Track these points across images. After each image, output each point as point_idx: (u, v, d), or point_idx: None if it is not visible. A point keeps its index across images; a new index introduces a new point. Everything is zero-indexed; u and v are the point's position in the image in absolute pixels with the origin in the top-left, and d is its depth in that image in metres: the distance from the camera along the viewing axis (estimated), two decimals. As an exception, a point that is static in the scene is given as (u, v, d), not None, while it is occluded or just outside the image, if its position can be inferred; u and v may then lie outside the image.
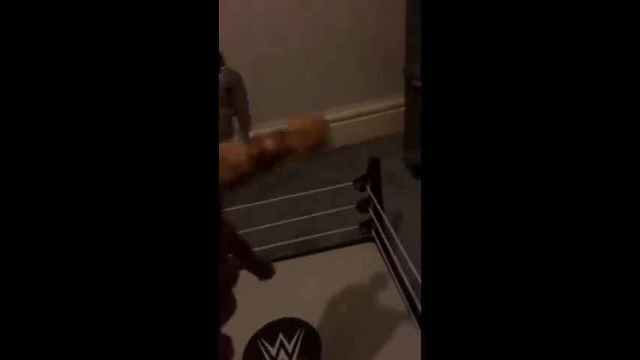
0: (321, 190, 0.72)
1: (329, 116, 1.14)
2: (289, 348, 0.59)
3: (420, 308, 0.57)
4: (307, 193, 0.74)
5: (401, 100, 1.00)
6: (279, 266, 0.75)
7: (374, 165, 0.69)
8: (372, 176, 0.69)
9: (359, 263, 0.73)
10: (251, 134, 0.48)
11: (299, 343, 0.59)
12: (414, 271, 0.55)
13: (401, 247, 0.59)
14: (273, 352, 0.59)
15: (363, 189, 0.69)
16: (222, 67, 1.12)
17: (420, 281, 0.53)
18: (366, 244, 0.76)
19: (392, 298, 0.65)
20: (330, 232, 0.77)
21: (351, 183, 0.70)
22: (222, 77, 1.14)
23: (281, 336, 0.61)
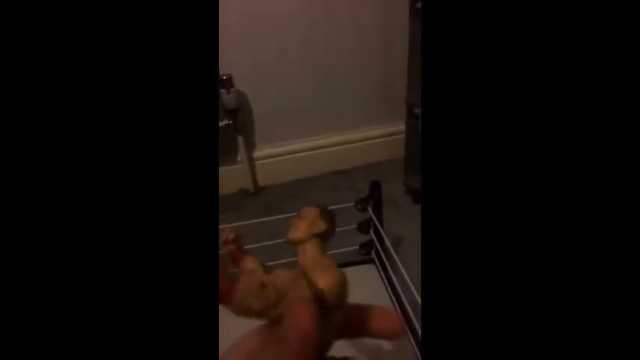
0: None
1: (332, 139, 1.17)
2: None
3: (419, 331, 0.58)
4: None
5: (401, 127, 1.04)
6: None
7: (376, 187, 0.71)
8: (374, 198, 0.70)
9: (358, 284, 0.73)
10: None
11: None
12: (414, 292, 0.55)
13: (401, 268, 0.60)
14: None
15: (364, 209, 0.71)
16: (232, 89, 1.15)
17: (420, 303, 0.53)
18: (366, 265, 0.77)
19: (390, 319, 0.65)
20: (330, 253, 0.78)
21: (351, 204, 0.71)
22: (230, 98, 1.17)
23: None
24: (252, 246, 0.72)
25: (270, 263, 0.76)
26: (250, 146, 1.13)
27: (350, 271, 0.76)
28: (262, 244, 0.72)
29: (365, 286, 0.73)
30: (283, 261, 0.76)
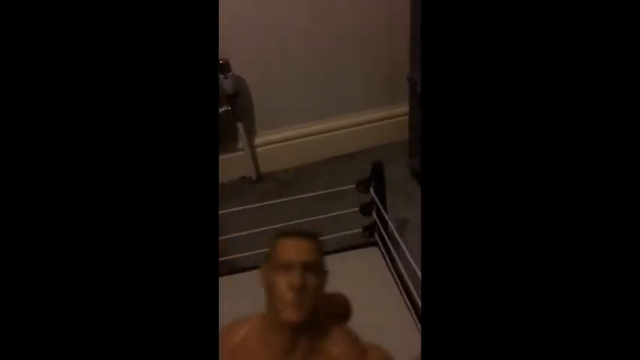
0: (323, 192, 0.71)
1: (334, 124, 1.14)
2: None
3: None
4: (310, 194, 0.74)
5: (405, 108, 1.01)
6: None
7: (377, 168, 0.68)
8: (376, 179, 0.68)
9: (361, 267, 0.72)
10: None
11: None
12: (419, 274, 0.53)
13: (405, 249, 0.57)
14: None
15: (366, 191, 0.69)
16: (229, 74, 1.13)
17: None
18: (369, 248, 0.75)
19: (394, 301, 0.63)
20: (333, 236, 0.76)
21: (352, 186, 0.69)
22: (228, 83, 1.15)
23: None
24: (251, 231, 0.71)
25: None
26: (251, 133, 1.10)
27: (353, 254, 0.75)
28: (262, 228, 0.71)
29: (368, 269, 0.71)
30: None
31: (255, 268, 0.73)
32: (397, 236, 0.61)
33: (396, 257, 0.65)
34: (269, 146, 1.13)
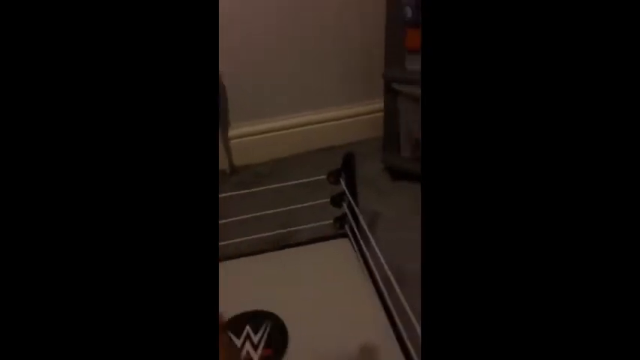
0: (296, 182, 0.71)
1: (310, 117, 1.15)
2: (255, 340, 0.57)
3: (390, 304, 0.57)
4: (282, 184, 0.74)
5: (381, 104, 1.02)
6: (252, 260, 0.74)
7: (349, 160, 0.69)
8: (346, 170, 0.69)
9: (332, 258, 0.72)
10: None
11: (265, 336, 0.58)
12: (385, 267, 0.54)
13: (373, 243, 0.58)
14: (238, 343, 0.57)
15: (336, 182, 0.69)
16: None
17: (392, 278, 0.52)
18: (340, 239, 0.76)
19: (363, 293, 0.64)
20: (305, 227, 0.77)
21: (323, 177, 0.70)
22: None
23: (248, 328, 0.59)
24: (223, 221, 0.70)
25: (247, 238, 0.74)
26: (225, 125, 1.09)
27: (324, 245, 0.76)
28: (235, 218, 0.70)
29: (338, 260, 0.72)
30: (261, 235, 0.75)
31: (228, 258, 0.73)
32: (366, 228, 0.62)
33: (365, 249, 0.66)
34: (243, 139, 1.12)
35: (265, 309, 0.62)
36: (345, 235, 0.75)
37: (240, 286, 0.66)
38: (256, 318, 0.60)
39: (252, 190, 0.75)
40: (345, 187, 0.69)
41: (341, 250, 0.74)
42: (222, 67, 1.02)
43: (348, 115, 1.17)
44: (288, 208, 0.74)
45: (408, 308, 0.46)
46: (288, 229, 0.78)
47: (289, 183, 0.74)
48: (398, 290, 0.49)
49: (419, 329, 0.42)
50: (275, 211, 0.73)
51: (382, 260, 0.55)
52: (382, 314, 0.60)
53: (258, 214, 0.72)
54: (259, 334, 0.58)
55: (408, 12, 0.85)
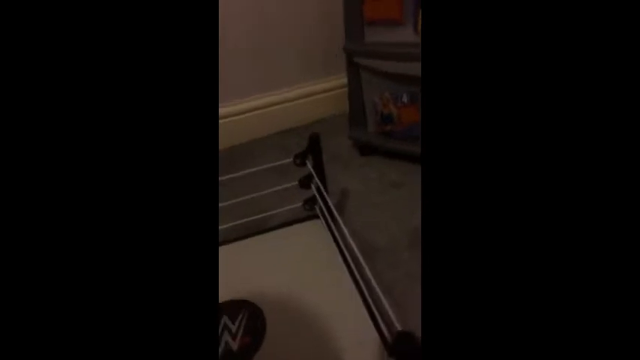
0: (263, 167, 0.70)
1: (272, 99, 1.12)
2: (233, 329, 0.58)
3: (363, 286, 0.58)
4: (251, 170, 0.73)
5: (345, 79, 1.00)
6: (225, 249, 0.73)
7: (314, 141, 0.68)
8: (313, 152, 0.68)
9: (305, 240, 0.73)
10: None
11: (243, 324, 0.59)
12: (354, 246, 0.55)
13: (341, 223, 0.59)
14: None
15: (303, 164, 0.69)
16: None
17: (360, 257, 0.53)
18: (312, 220, 0.76)
19: (338, 274, 0.65)
20: (276, 211, 0.76)
21: (290, 160, 0.69)
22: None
23: (225, 318, 0.59)
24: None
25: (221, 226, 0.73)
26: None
27: (297, 228, 0.76)
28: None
29: (312, 242, 0.73)
30: (234, 224, 0.74)
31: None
32: (334, 209, 0.62)
33: (334, 229, 0.66)
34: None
35: (241, 297, 0.62)
36: (316, 217, 0.76)
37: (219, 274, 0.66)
38: (232, 307, 0.61)
39: (220, 178, 0.73)
40: (311, 169, 0.69)
41: (314, 231, 0.74)
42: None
43: (312, 93, 1.15)
44: (257, 194, 0.73)
45: (375, 286, 0.47)
46: (261, 215, 0.78)
47: (257, 169, 0.73)
48: (365, 267, 0.50)
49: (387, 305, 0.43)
50: (244, 198, 0.73)
51: (350, 240, 0.56)
52: (355, 294, 0.61)
53: (226, 203, 0.71)
54: (237, 323, 0.59)
55: (364, -18, 0.82)
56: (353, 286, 0.62)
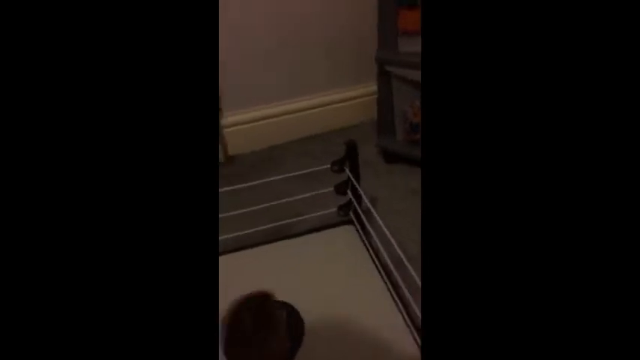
0: (297, 173, 0.71)
1: (302, 104, 1.13)
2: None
3: (402, 286, 0.59)
4: (284, 176, 0.74)
5: (374, 87, 1.02)
6: (257, 252, 0.74)
7: (352, 147, 0.69)
8: (350, 158, 0.69)
9: (338, 245, 0.73)
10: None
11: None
12: (396, 247, 0.56)
13: (383, 226, 0.59)
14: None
15: (341, 170, 0.70)
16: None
17: (403, 258, 0.54)
18: (345, 226, 0.77)
19: (371, 278, 0.66)
20: (308, 216, 0.77)
21: (327, 166, 0.70)
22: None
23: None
24: (225, 215, 0.70)
25: (245, 232, 0.74)
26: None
27: (329, 233, 0.77)
28: (232, 213, 0.70)
29: (345, 246, 0.73)
30: (258, 228, 0.75)
31: (228, 251, 0.72)
32: (374, 212, 0.63)
33: (372, 233, 0.67)
34: (236, 127, 1.10)
35: (278, 299, 0.62)
36: (348, 222, 0.76)
37: (250, 277, 0.67)
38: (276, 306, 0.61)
39: (251, 183, 0.74)
40: (349, 174, 0.70)
41: (347, 236, 0.75)
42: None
43: (342, 100, 1.16)
44: (289, 199, 0.74)
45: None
46: (292, 219, 0.78)
47: (290, 175, 0.74)
48: (410, 268, 0.51)
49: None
50: (275, 202, 0.73)
51: (393, 241, 0.56)
52: (390, 296, 0.61)
53: (256, 207, 0.71)
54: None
55: (400, -7, 0.84)
56: (384, 289, 0.62)
